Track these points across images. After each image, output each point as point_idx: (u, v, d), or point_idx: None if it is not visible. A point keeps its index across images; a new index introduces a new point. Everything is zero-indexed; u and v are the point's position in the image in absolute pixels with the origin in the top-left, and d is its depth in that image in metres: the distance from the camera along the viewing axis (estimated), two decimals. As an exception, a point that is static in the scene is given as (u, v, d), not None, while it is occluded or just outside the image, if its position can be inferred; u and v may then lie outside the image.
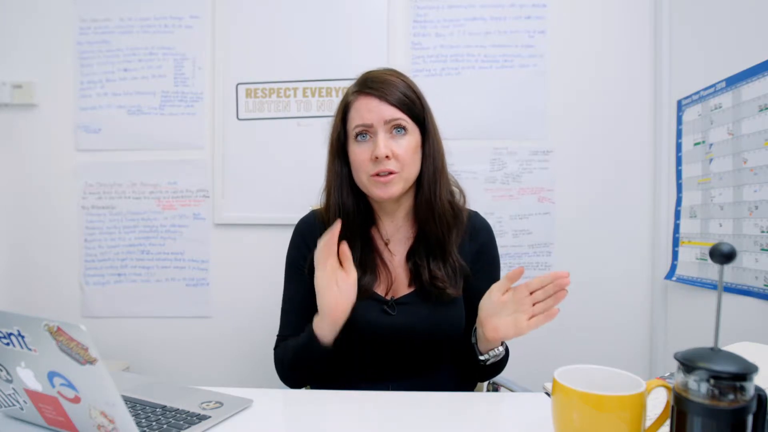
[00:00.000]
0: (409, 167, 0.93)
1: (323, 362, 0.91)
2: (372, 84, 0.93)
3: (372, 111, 0.91)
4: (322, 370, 0.93)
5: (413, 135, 0.94)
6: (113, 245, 1.75)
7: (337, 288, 0.87)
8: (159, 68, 1.73)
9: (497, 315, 0.83)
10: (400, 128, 0.92)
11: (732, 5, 1.35)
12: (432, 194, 0.95)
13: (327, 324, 0.89)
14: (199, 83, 1.73)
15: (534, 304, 0.80)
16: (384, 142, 0.90)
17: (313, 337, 0.89)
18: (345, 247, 0.89)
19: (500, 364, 0.95)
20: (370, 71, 0.98)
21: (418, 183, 0.97)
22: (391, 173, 0.91)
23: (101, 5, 1.72)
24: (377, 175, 0.91)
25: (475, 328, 0.91)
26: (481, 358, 0.90)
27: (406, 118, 0.92)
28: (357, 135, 0.93)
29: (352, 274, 0.88)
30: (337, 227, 0.86)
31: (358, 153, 0.93)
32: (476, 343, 0.91)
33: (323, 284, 0.87)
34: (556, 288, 0.78)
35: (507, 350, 0.94)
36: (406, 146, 0.92)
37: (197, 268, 1.74)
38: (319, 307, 0.89)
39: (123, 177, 1.74)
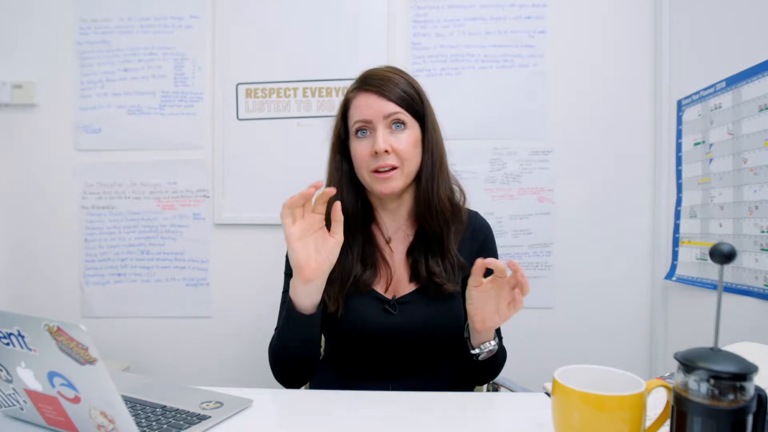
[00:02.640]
0: (409, 162, 0.93)
1: (304, 338, 0.88)
2: (371, 81, 0.94)
3: (371, 107, 0.92)
4: (304, 352, 0.89)
5: (413, 129, 0.94)
6: (113, 245, 1.75)
7: (312, 246, 0.83)
8: (159, 68, 1.73)
9: (482, 306, 0.84)
10: (399, 123, 0.93)
11: (732, 5, 1.35)
12: (430, 189, 0.96)
13: (299, 283, 0.85)
14: (199, 83, 1.73)
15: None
16: (383, 137, 0.91)
17: (289, 304, 0.87)
18: (337, 208, 0.84)
19: (496, 362, 0.94)
20: (371, 69, 0.99)
21: (418, 178, 0.97)
22: (393, 168, 0.92)
23: (101, 5, 1.73)
24: (377, 171, 0.92)
25: (468, 323, 0.90)
26: (473, 351, 0.89)
27: (405, 112, 0.93)
28: (357, 131, 0.94)
29: (336, 237, 0.84)
30: (317, 185, 0.81)
31: (359, 149, 0.94)
32: (469, 338, 0.91)
33: (295, 236, 0.82)
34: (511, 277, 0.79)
35: (503, 348, 0.94)
36: (406, 141, 0.93)
37: (197, 268, 1.74)
38: (291, 264, 0.85)
39: (123, 177, 1.74)
